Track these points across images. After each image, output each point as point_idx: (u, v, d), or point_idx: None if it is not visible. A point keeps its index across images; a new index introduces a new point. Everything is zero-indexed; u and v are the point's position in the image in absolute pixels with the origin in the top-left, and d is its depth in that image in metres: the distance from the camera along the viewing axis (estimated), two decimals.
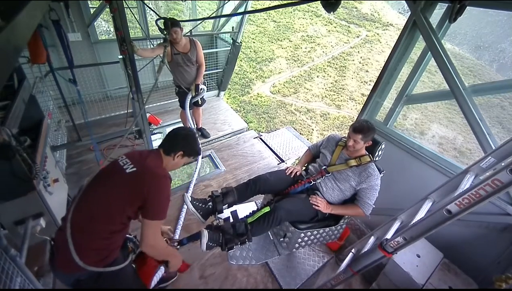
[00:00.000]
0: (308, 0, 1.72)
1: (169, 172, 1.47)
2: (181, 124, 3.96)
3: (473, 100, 2.01)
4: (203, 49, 3.32)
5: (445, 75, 2.08)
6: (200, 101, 3.50)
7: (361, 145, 1.87)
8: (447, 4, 1.98)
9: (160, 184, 1.35)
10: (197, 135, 1.59)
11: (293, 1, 1.71)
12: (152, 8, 3.24)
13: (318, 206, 1.91)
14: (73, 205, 1.31)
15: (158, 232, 1.40)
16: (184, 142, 1.50)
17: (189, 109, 3.39)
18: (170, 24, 2.81)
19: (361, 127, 1.84)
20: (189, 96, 3.32)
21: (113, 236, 1.30)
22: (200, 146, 1.59)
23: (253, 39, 13.35)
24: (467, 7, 1.56)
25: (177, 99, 3.56)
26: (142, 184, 1.30)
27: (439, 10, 2.18)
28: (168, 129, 4.10)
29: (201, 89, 3.36)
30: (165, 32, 2.83)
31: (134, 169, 1.34)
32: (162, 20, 2.87)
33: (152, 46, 3.09)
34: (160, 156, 1.48)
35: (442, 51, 2.08)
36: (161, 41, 2.97)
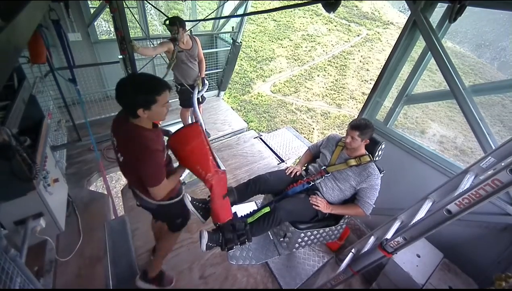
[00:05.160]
0: (308, 3, 1.73)
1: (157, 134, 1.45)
2: (181, 124, 3.96)
3: (473, 100, 2.01)
4: (203, 49, 3.34)
5: (445, 75, 2.08)
6: (200, 99, 3.51)
7: (358, 143, 1.87)
8: (447, 4, 1.97)
9: (140, 157, 1.32)
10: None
11: (293, 3, 1.71)
12: (158, 8, 3.24)
13: (318, 206, 1.90)
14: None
15: (160, 189, 1.45)
16: (133, 94, 1.27)
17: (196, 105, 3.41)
18: (179, 23, 2.85)
19: (358, 124, 1.85)
20: (197, 91, 3.36)
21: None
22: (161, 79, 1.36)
23: (253, 38, 13.34)
24: (468, 6, 1.55)
25: (177, 99, 3.56)
26: (132, 166, 1.42)
27: (439, 9, 2.18)
28: (168, 129, 4.16)
29: (203, 86, 3.42)
30: (173, 32, 2.85)
31: (122, 157, 1.44)
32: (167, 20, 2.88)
33: (152, 45, 3.09)
34: (131, 122, 1.37)
35: (442, 51, 2.07)
36: (165, 40, 2.98)
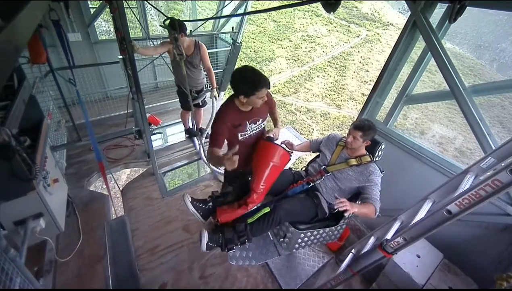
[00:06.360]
0: (308, 1, 1.72)
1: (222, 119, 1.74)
2: (181, 125, 3.95)
3: (473, 100, 2.01)
4: None
5: (445, 75, 2.08)
6: (201, 103, 3.51)
7: (359, 143, 1.86)
8: (447, 4, 1.98)
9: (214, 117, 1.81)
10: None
11: (293, 2, 1.71)
12: (158, 8, 3.22)
13: (346, 208, 1.64)
14: None
15: (207, 152, 1.80)
16: (235, 82, 1.63)
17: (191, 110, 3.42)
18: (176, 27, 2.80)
19: (362, 125, 1.84)
20: (203, 97, 3.48)
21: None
22: (259, 77, 1.61)
23: (253, 39, 13.36)
24: (467, 7, 1.55)
25: (177, 100, 3.56)
26: None
27: (439, 10, 2.18)
28: (168, 130, 4.17)
29: (204, 91, 3.41)
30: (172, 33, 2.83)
31: None
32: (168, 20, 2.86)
33: (153, 45, 3.08)
34: (233, 97, 1.75)
35: (442, 51, 2.07)
36: (166, 40, 2.96)
